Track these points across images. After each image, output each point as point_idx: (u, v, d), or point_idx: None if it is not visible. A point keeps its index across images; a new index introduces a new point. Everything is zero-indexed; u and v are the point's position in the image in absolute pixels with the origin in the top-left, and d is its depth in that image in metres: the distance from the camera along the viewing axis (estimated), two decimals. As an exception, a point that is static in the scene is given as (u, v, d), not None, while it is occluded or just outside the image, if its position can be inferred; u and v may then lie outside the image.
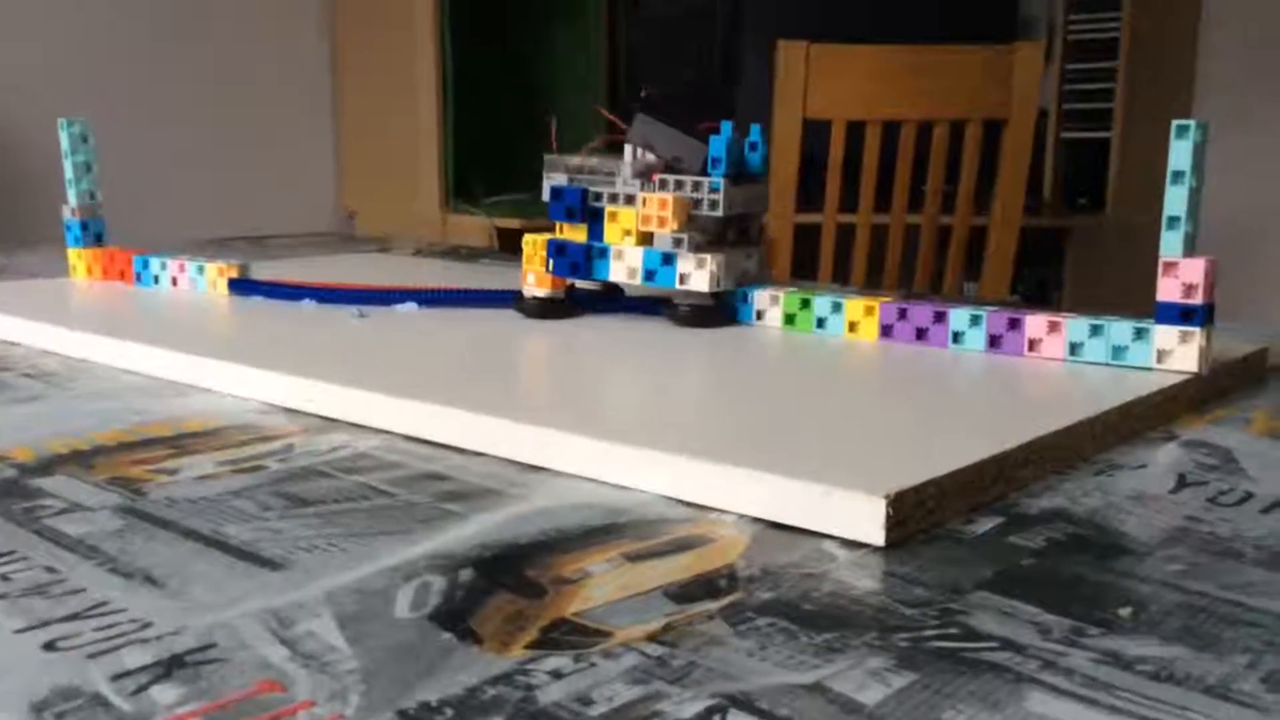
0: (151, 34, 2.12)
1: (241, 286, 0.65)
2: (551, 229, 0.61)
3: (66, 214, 0.73)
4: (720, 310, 0.57)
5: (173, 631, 0.26)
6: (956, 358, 0.50)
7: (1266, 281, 2.37)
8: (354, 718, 0.22)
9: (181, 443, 0.41)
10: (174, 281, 0.68)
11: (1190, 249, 0.46)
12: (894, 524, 0.31)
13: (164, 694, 0.23)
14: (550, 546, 0.31)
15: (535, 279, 0.60)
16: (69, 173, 0.72)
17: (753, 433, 0.38)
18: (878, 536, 0.31)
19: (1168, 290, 0.46)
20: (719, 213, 0.56)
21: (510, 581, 0.29)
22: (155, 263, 0.69)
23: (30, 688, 0.23)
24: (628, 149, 0.59)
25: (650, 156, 0.58)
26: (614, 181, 0.58)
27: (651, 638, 0.26)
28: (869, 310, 0.54)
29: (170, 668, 0.24)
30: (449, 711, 0.22)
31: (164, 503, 0.34)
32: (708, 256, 0.56)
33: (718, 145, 0.56)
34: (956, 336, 0.51)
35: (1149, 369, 0.47)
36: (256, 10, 2.22)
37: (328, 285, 0.64)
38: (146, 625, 0.26)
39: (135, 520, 0.33)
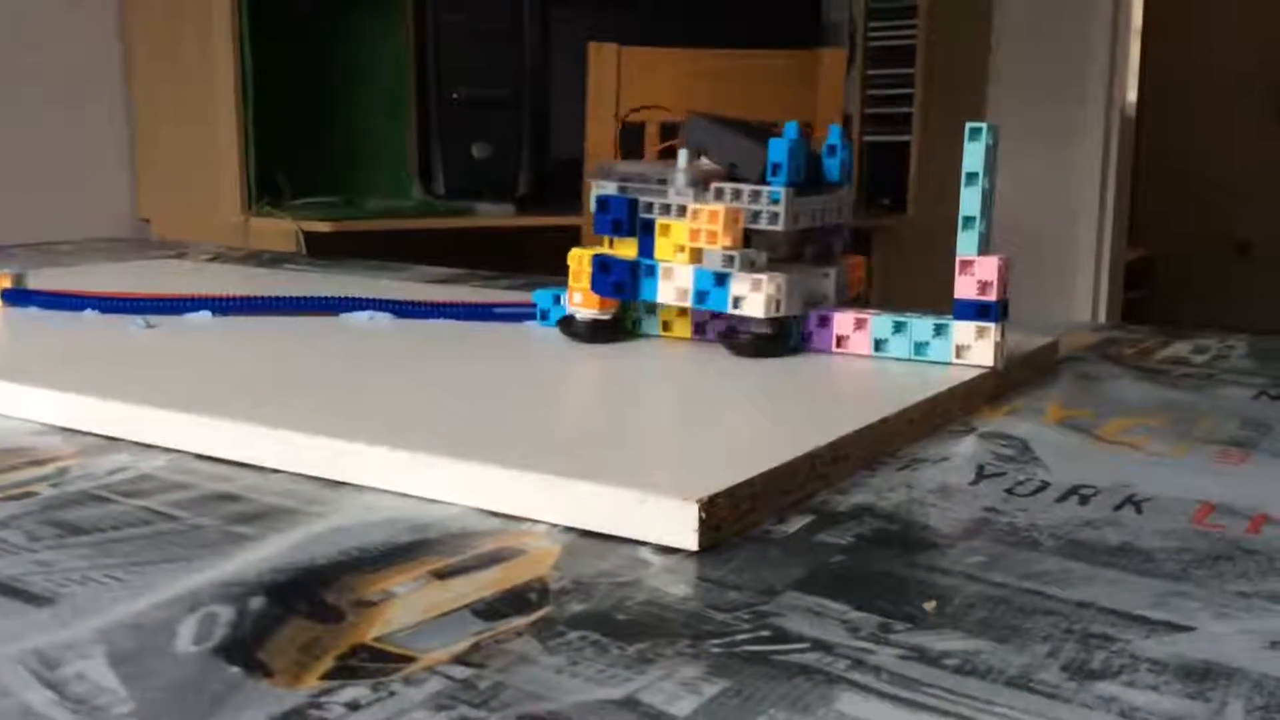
0: (-83, 25, 1.96)
1: (16, 297, 0.61)
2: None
3: None
4: (783, 339, 0.50)
5: (-84, 684, 0.23)
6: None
7: (1051, 277, 2.52)
8: (126, 768, 0.20)
9: (-61, 469, 0.37)
10: (-62, 292, 0.63)
11: (985, 248, 0.48)
12: (707, 528, 0.31)
13: (-98, 756, 0.20)
14: (351, 567, 0.29)
15: (583, 299, 0.53)
16: None
17: (562, 440, 0.37)
18: (691, 541, 0.31)
19: (964, 288, 0.48)
20: (779, 226, 0.49)
21: (305, 607, 0.27)
22: (-84, 272, 0.63)
23: None
24: (681, 154, 0.52)
25: (707, 162, 0.51)
26: (665, 191, 0.51)
27: (458, 659, 0.25)
28: (681, 311, 0.54)
29: (-89, 726, 0.22)
30: (234, 754, 0.21)
31: (-86, 538, 0.31)
32: (764, 277, 0.48)
33: (778, 149, 0.50)
34: (803, 340, 0.52)
35: (949, 364, 0.48)
36: (39, 2, 2.08)
37: (112, 294, 0.60)
38: (-115, 678, 0.23)
39: (-121, 559, 0.30)
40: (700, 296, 0.50)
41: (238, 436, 0.38)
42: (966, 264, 0.48)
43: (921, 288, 2.19)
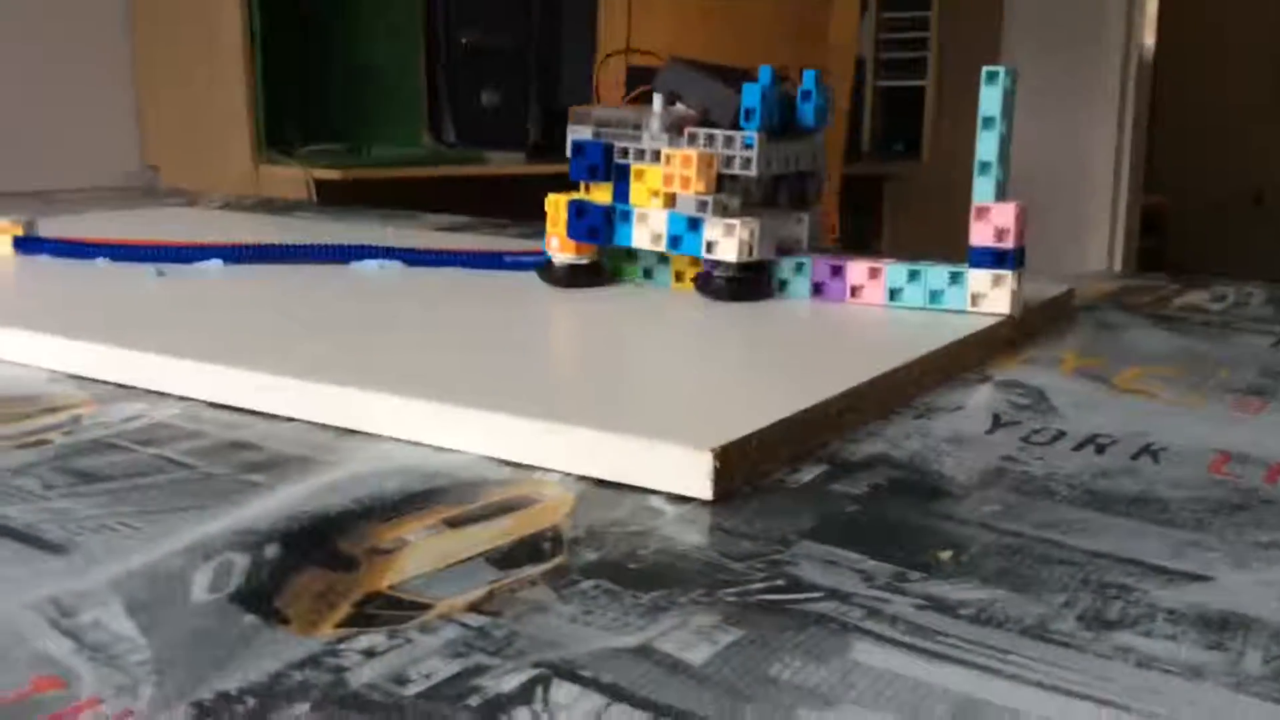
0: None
1: (27, 245, 0.60)
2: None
3: None
4: (758, 282, 0.51)
5: (-65, 630, 0.23)
6: (782, 306, 0.50)
7: (1068, 225, 2.50)
8: (146, 713, 0.20)
9: (-47, 418, 0.37)
10: (-51, 241, 0.62)
11: (1001, 194, 0.47)
12: (720, 477, 0.31)
13: (-78, 702, 0.21)
14: (364, 515, 0.29)
15: (560, 244, 0.53)
16: None
17: (576, 389, 0.37)
18: (704, 490, 0.31)
19: (980, 235, 0.47)
20: (752, 172, 0.50)
21: (320, 555, 0.27)
22: (-74, 220, 0.63)
23: None
24: (656, 99, 0.52)
25: (682, 107, 0.51)
26: (640, 136, 0.51)
27: (472, 607, 0.25)
28: (694, 261, 0.53)
29: (-70, 672, 0.22)
30: (251, 700, 0.21)
31: (-70, 485, 0.31)
32: (737, 222, 0.49)
33: (751, 94, 0.50)
34: (782, 285, 0.51)
35: (964, 312, 0.48)
36: (42, -53, 2.06)
37: (124, 242, 0.60)
38: (-96, 625, 0.23)
39: (-105, 506, 0.30)
40: (674, 241, 0.51)
41: (250, 385, 0.38)
42: (983, 210, 0.47)
43: (935, 235, 2.18)
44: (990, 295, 0.47)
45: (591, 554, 0.27)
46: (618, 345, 0.44)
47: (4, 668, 0.22)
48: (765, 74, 0.51)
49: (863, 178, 2.13)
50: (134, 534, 0.28)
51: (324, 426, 0.37)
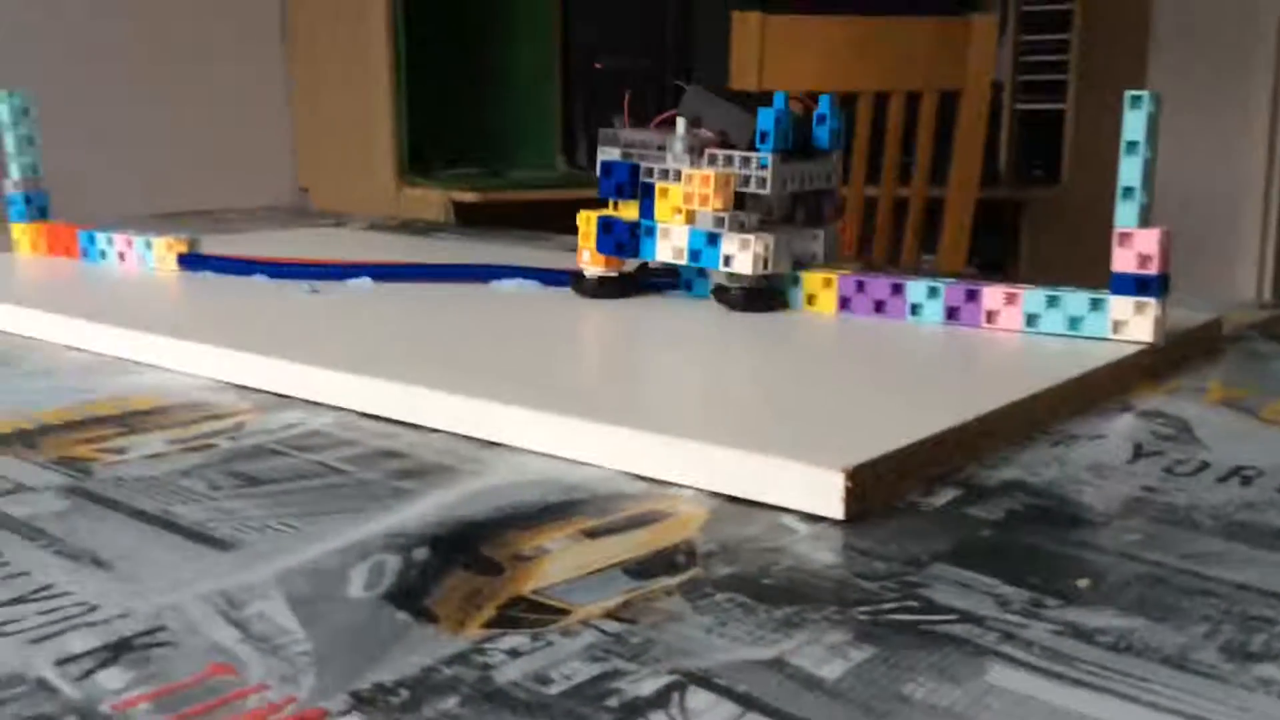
0: (101, 6, 2.07)
1: (191, 262, 0.64)
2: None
3: (8, 188, 0.71)
4: (771, 294, 0.53)
5: (120, 615, 0.25)
6: (915, 330, 0.50)
7: (1214, 253, 2.41)
8: (307, 700, 0.22)
9: (130, 421, 0.40)
10: (121, 256, 0.67)
11: (1145, 220, 0.46)
12: (853, 497, 0.31)
13: (111, 679, 0.22)
14: (507, 523, 0.31)
15: (590, 257, 0.57)
16: (10, 146, 0.70)
17: (711, 407, 0.38)
18: (837, 510, 0.31)
19: (1123, 261, 0.46)
20: (766, 190, 0.52)
21: (466, 559, 0.28)
22: (102, 237, 0.68)
23: (-30, 675, 0.22)
24: (679, 122, 0.55)
25: (705, 131, 0.55)
26: (664, 157, 0.55)
27: (610, 615, 0.25)
28: (827, 283, 0.54)
29: (118, 652, 0.23)
30: (404, 693, 0.22)
31: (112, 483, 0.34)
32: (752, 237, 0.52)
33: (766, 118, 0.53)
34: (915, 309, 0.51)
35: (1105, 339, 0.47)
36: (205, -21, 2.17)
37: (280, 260, 0.63)
38: (93, 609, 0.25)
39: (82, 501, 0.32)
40: (694, 255, 0.54)
41: (400, 397, 0.40)
42: (1126, 236, 0.46)
43: (1075, 261, 2.12)
44: (1132, 323, 0.46)
45: (725, 568, 0.28)
46: (746, 363, 0.44)
47: (182, 654, 0.23)
48: (779, 99, 0.54)
49: (999, 202, 2.09)
50: (294, 533, 0.30)
51: (468, 438, 0.38)
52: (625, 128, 0.57)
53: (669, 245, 0.54)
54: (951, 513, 0.32)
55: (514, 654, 0.24)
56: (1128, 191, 0.46)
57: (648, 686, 0.22)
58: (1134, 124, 0.46)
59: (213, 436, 0.38)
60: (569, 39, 2.15)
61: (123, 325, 0.49)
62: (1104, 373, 0.43)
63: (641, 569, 0.28)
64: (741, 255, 0.52)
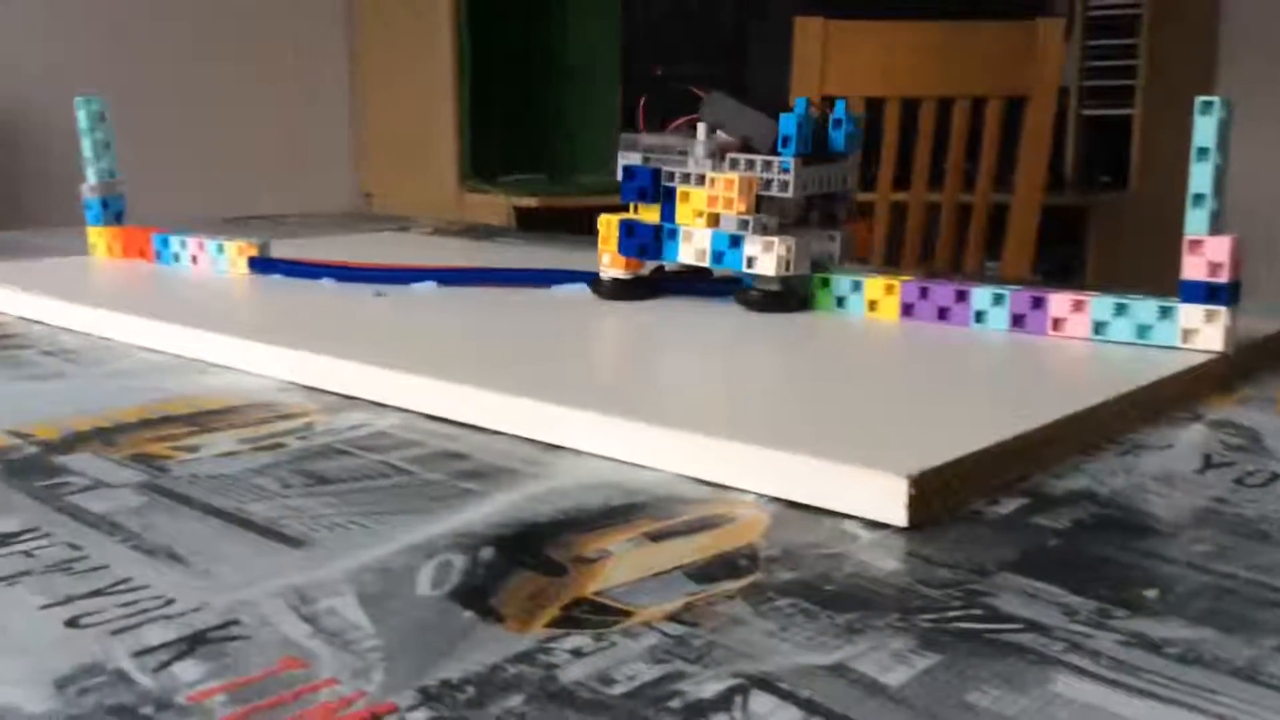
0: (169, 12, 2.12)
1: (261, 265, 0.65)
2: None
3: (86, 192, 0.73)
4: (791, 295, 0.55)
5: (195, 608, 0.26)
6: (979, 337, 0.49)
7: (1289, 261, 2.35)
8: (377, 695, 0.22)
9: (202, 420, 0.41)
10: (194, 259, 0.68)
11: (1216, 227, 0.45)
12: (916, 504, 0.31)
13: (186, 671, 0.23)
14: (570, 525, 0.31)
15: (610, 260, 0.58)
16: (87, 151, 0.72)
17: (772, 412, 0.38)
18: (900, 517, 0.31)
19: (1193, 269, 0.46)
20: (789, 193, 0.53)
21: (530, 560, 0.29)
22: (175, 241, 0.69)
23: (53, 664, 0.23)
24: (701, 128, 0.56)
25: (725, 135, 0.56)
26: (685, 161, 0.56)
27: (672, 617, 0.26)
28: (889, 289, 0.54)
29: (193, 645, 0.24)
30: (471, 689, 0.22)
31: (186, 480, 0.34)
32: (775, 239, 0.53)
33: (788, 123, 0.54)
34: (979, 316, 0.51)
35: (1174, 348, 0.46)
36: (273, -12, 2.21)
37: (346, 264, 0.64)
38: (169, 602, 0.26)
39: (157, 497, 0.33)
40: (717, 257, 0.55)
41: (464, 399, 0.40)
42: (1196, 244, 0.45)
43: (1143, 269, 2.09)
44: (1203, 331, 0.46)
45: (787, 573, 0.28)
46: (804, 368, 0.44)
47: (255, 648, 0.24)
48: (800, 105, 0.55)
49: (1065, 208, 2.06)
50: (363, 531, 0.30)
51: (529, 440, 0.39)
52: (642, 132, 0.59)
53: (691, 248, 0.55)
54: (1017, 521, 0.31)
55: (577, 654, 0.24)
56: (1198, 198, 0.45)
57: (710, 689, 0.22)
58: (1205, 130, 0.45)
59: (283, 436, 0.39)
60: (629, 45, 2.16)
61: (195, 327, 0.50)
62: (1173, 382, 0.43)
63: (703, 573, 0.28)
64: (765, 257, 0.53)
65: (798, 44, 1.41)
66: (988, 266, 1.62)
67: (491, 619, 0.25)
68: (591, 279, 0.61)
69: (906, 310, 0.53)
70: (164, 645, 0.24)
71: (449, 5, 1.99)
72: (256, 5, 2.20)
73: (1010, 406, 0.38)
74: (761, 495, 0.33)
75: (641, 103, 0.62)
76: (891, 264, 1.32)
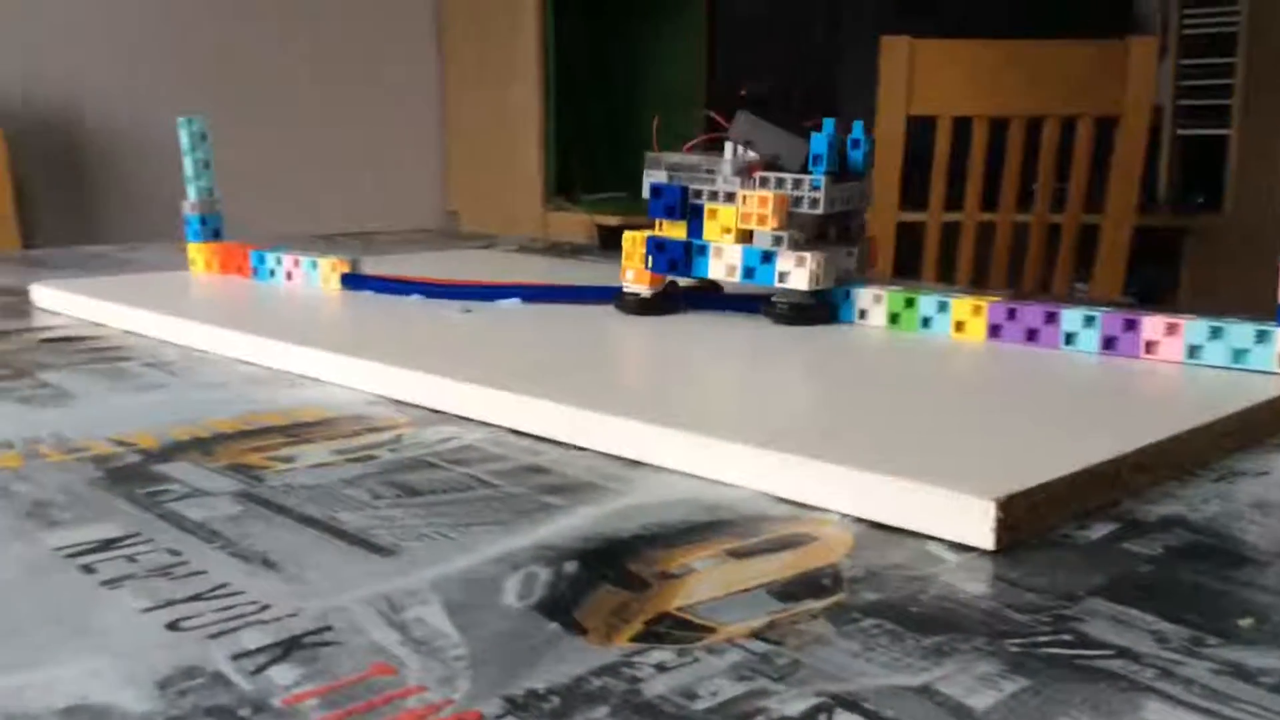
0: (264, 36, 2.18)
1: (353, 281, 0.67)
2: (650, 226, 0.61)
3: (186, 209, 0.75)
4: (819, 309, 0.57)
5: (290, 614, 0.26)
6: (1069, 359, 0.49)
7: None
8: (463, 703, 0.23)
9: (296, 432, 0.42)
10: (288, 275, 0.70)
11: (1318, 249, 0.44)
12: (1004, 528, 0.30)
13: (282, 674, 0.24)
14: (652, 541, 0.31)
15: (635, 275, 0.60)
16: (188, 169, 0.74)
17: (857, 431, 0.38)
18: (987, 540, 0.30)
19: (1294, 292, 0.44)
20: (819, 210, 0.55)
21: (613, 574, 0.29)
22: (270, 257, 0.71)
23: (155, 666, 0.24)
24: (728, 146, 0.58)
25: (750, 154, 0.58)
26: (714, 179, 0.58)
27: (755, 635, 0.26)
28: (976, 310, 0.53)
29: (288, 649, 0.25)
30: (555, 700, 0.23)
31: (281, 489, 0.35)
32: (807, 255, 0.55)
33: (819, 142, 0.56)
34: (1069, 338, 0.50)
35: (1271, 373, 0.45)
36: (368, 12, 2.27)
37: (435, 281, 0.65)
38: (265, 607, 0.27)
39: (253, 506, 0.34)
40: (748, 272, 0.57)
41: (548, 415, 0.41)
42: (1297, 267, 0.44)
43: (1239, 292, 2.03)
44: (1303, 356, 0.44)
45: (871, 594, 0.28)
46: (888, 388, 0.44)
47: (347, 654, 0.25)
48: (829, 125, 0.56)
49: (1158, 229, 2.02)
50: (450, 543, 0.31)
51: (611, 456, 0.39)
52: (655, 151, 0.60)
53: (722, 263, 0.57)
54: (1107, 547, 0.31)
55: (661, 668, 0.24)
56: (1299, 219, 0.44)
57: (795, 707, 0.22)
58: (1307, 149, 0.44)
59: (373, 448, 0.40)
60: (714, 64, 2.16)
61: (290, 341, 0.52)
62: (1269, 407, 0.42)
63: (786, 591, 0.28)
64: (798, 271, 0.55)
65: (884, 63, 1.41)
66: (1077, 288, 1.59)
67: (575, 631, 0.26)
68: (716, 300, 0.61)
69: (994, 331, 0.52)
70: (260, 649, 0.25)
71: (536, 25, 2.02)
72: (347, 28, 2.25)
73: (1101, 430, 0.38)
74: (844, 515, 0.33)
75: (655, 124, 0.64)
76: (977, 285, 1.31)
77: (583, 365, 0.48)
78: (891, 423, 0.39)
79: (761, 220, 0.56)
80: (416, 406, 0.45)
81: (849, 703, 0.23)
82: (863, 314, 0.57)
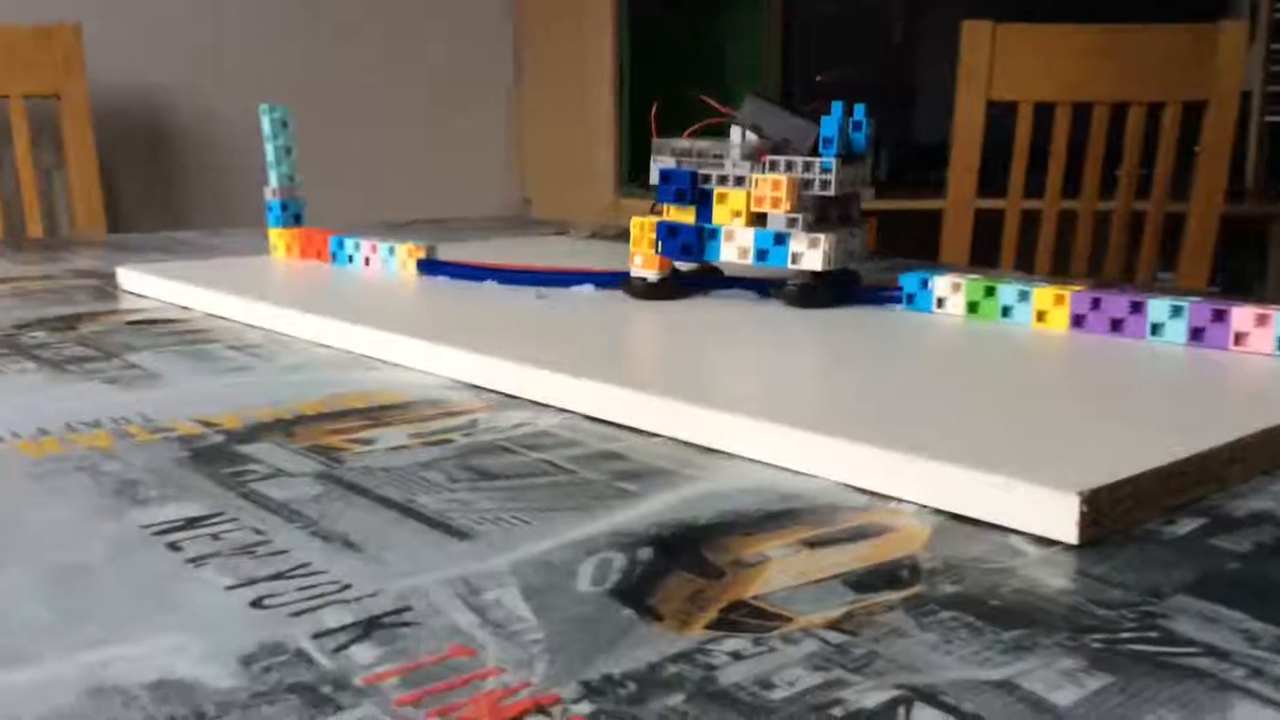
0: (347, 26, 2.21)
1: (429, 267, 0.68)
2: None
3: (268, 195, 0.76)
4: (829, 289, 0.57)
5: (370, 594, 0.27)
6: (1155, 350, 0.48)
7: None
8: (540, 686, 0.23)
9: (375, 414, 0.42)
10: (366, 261, 0.71)
11: None
12: (1088, 522, 0.30)
13: (363, 653, 0.24)
14: (727, 529, 0.31)
15: (643, 261, 0.60)
16: (270, 156, 0.76)
17: (935, 422, 0.37)
18: (1070, 534, 0.30)
19: (1394, 283, 0.43)
20: (830, 193, 0.56)
21: (688, 561, 0.29)
22: (349, 243, 0.72)
23: (239, 642, 0.25)
24: (735, 131, 0.58)
25: (757, 138, 0.58)
26: (722, 163, 0.58)
27: (831, 625, 0.25)
28: (1059, 299, 0.52)
29: (368, 628, 0.25)
30: (631, 685, 0.23)
31: (360, 471, 0.36)
32: (820, 235, 0.55)
33: (829, 126, 0.56)
34: (1155, 328, 0.49)
35: (1370, 367, 0.43)
36: (446, 4, 2.29)
37: (509, 266, 0.65)
38: (345, 587, 0.27)
39: (334, 486, 0.34)
40: (761, 255, 0.57)
41: (623, 401, 0.41)
42: (1398, 257, 0.43)
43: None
44: (1403, 350, 0.43)
45: (950, 586, 0.27)
46: (966, 377, 0.43)
47: (426, 634, 0.25)
48: (838, 109, 0.57)
49: (1246, 218, 1.96)
50: (525, 527, 0.31)
51: (686, 443, 0.39)
52: (655, 138, 0.60)
53: (734, 246, 0.57)
54: (1194, 543, 0.30)
55: (736, 656, 0.24)
56: (1401, 208, 0.43)
57: (873, 699, 0.22)
58: None
59: (450, 432, 0.40)
60: (790, 50, 2.15)
61: (368, 325, 0.52)
62: (1369, 402, 0.40)
63: (863, 582, 0.28)
64: (811, 252, 0.56)
65: (965, 48, 1.38)
66: (1160, 278, 1.56)
67: (650, 618, 0.26)
68: (746, 284, 0.61)
69: (1077, 321, 0.51)
70: (342, 628, 0.25)
71: (610, 13, 2.02)
72: (423, 19, 2.27)
73: (1189, 423, 0.37)
74: (922, 506, 0.33)
75: (653, 111, 0.64)
76: (1057, 274, 1.28)
77: (658, 351, 0.48)
78: (971, 413, 0.38)
79: (775, 203, 0.56)
80: (492, 391, 0.46)
81: (928, 695, 0.22)
82: (941, 302, 0.56)
